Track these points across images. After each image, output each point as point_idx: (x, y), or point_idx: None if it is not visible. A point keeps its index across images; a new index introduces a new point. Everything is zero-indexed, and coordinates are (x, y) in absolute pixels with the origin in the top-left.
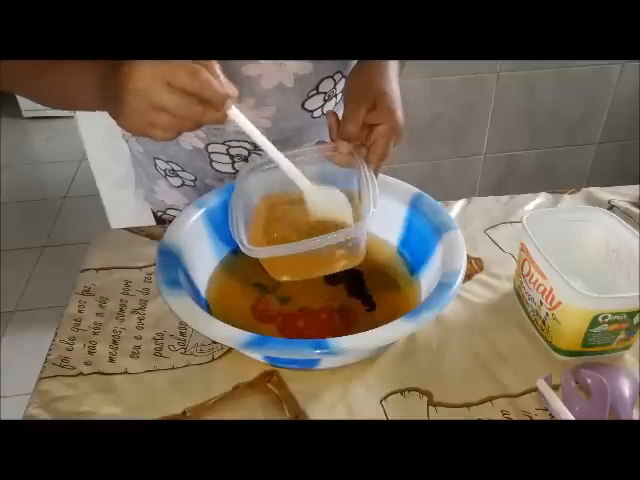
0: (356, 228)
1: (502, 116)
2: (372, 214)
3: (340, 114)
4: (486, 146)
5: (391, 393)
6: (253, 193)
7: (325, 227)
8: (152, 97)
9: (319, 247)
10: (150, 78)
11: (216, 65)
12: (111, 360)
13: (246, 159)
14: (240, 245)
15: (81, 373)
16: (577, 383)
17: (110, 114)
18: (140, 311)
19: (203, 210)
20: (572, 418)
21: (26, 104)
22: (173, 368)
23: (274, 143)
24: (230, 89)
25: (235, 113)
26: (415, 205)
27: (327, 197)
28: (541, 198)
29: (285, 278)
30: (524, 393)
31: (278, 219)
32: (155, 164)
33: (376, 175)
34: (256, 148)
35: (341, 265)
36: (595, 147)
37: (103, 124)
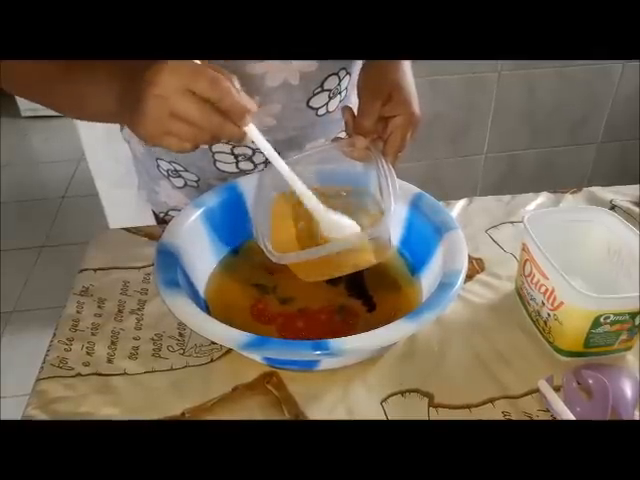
0: (380, 225)
1: (503, 115)
2: (393, 210)
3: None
4: (487, 146)
5: (392, 394)
6: (270, 192)
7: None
8: (172, 104)
9: (342, 249)
10: (172, 85)
11: (235, 80)
12: (109, 361)
13: (250, 158)
14: (266, 252)
15: (79, 374)
16: (579, 384)
17: (126, 123)
18: (138, 312)
19: (202, 210)
20: (573, 419)
21: (25, 103)
22: (172, 369)
23: (279, 142)
24: (250, 104)
25: (252, 130)
26: (416, 205)
27: (336, 220)
28: (542, 198)
29: (313, 279)
30: (525, 394)
31: (300, 220)
32: (157, 165)
33: (394, 167)
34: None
35: (368, 261)
36: (596, 146)
37: (102, 124)
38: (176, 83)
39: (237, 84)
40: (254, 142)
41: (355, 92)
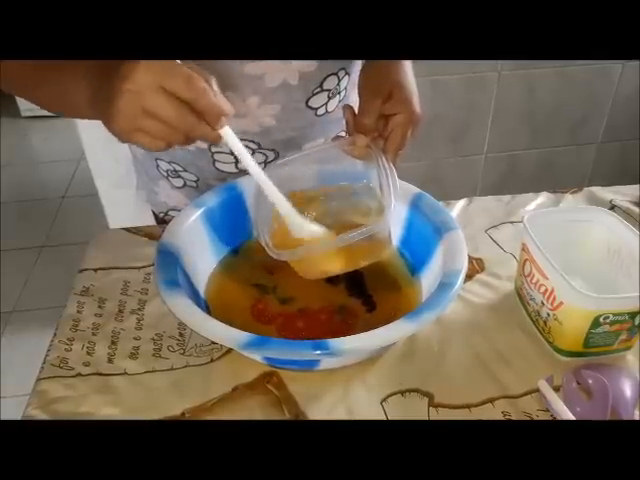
0: (379, 223)
1: (503, 115)
2: (393, 207)
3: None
4: (487, 145)
5: (391, 394)
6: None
7: (348, 223)
8: (144, 101)
9: (343, 245)
10: (145, 82)
11: (214, 81)
12: (110, 361)
13: None
14: (266, 248)
15: (80, 374)
16: (578, 384)
17: (101, 119)
18: (139, 312)
19: (202, 210)
20: (573, 419)
21: (25, 103)
22: (172, 369)
23: (278, 142)
24: (226, 106)
25: (228, 133)
26: (416, 205)
27: (306, 224)
28: (542, 198)
29: (313, 276)
30: (525, 394)
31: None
32: (157, 165)
33: (394, 165)
34: (260, 147)
35: (368, 259)
36: (596, 146)
37: (102, 123)
38: (150, 79)
39: (215, 86)
40: (229, 145)
41: (354, 92)
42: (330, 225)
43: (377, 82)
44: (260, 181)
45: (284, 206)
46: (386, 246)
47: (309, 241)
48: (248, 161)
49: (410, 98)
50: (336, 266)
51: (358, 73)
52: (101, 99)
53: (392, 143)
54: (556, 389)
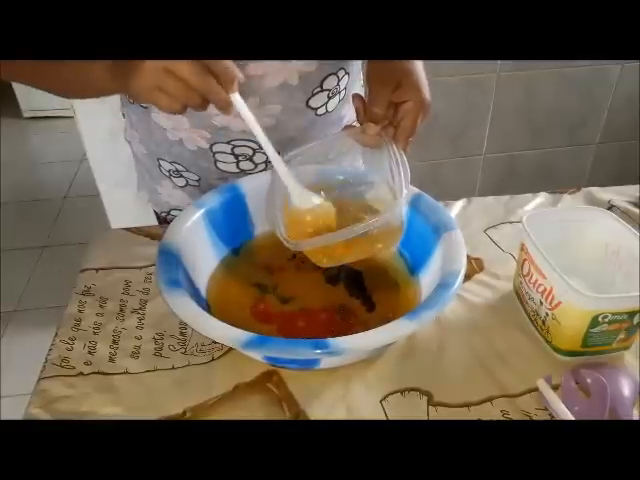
0: (392, 211)
1: (502, 116)
2: (405, 195)
3: (344, 111)
4: (486, 146)
5: (391, 393)
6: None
7: (362, 213)
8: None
9: (358, 234)
10: None
11: None
12: (111, 360)
13: (251, 158)
14: (282, 240)
15: (81, 373)
16: (577, 383)
17: (120, 82)
18: (140, 311)
19: (203, 210)
20: (572, 418)
21: (26, 104)
22: (173, 368)
23: (278, 142)
24: (237, 71)
25: (238, 99)
26: (415, 205)
27: (309, 201)
28: (541, 198)
29: (328, 264)
30: (524, 393)
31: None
32: (159, 165)
33: (405, 152)
34: (261, 147)
35: (381, 246)
36: (595, 147)
37: (103, 124)
38: None
39: None
40: (238, 110)
41: (354, 91)
42: (346, 214)
43: (386, 70)
44: (266, 148)
45: (283, 172)
46: (399, 233)
47: (317, 224)
48: (255, 128)
49: (419, 85)
50: (350, 255)
51: (358, 73)
52: (121, 63)
53: (403, 131)
54: (555, 388)
